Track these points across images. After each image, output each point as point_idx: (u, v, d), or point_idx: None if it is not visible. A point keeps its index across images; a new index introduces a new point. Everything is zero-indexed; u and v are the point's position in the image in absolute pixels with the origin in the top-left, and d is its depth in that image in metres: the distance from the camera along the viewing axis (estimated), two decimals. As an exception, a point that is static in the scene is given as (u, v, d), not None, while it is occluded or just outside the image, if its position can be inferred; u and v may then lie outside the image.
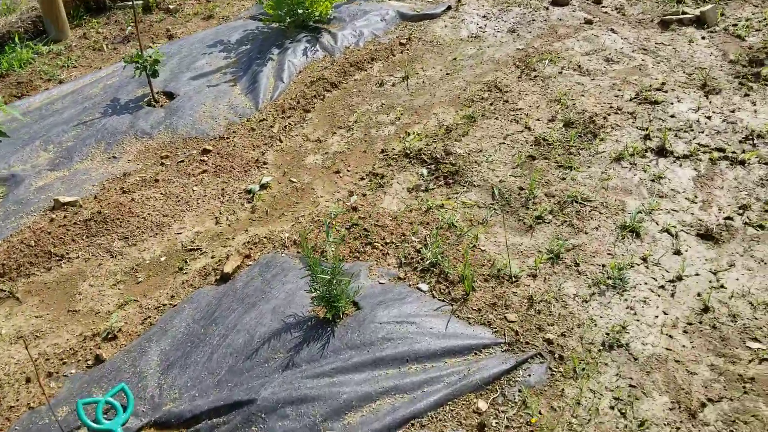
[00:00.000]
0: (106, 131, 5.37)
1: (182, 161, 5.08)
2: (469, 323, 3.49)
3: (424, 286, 3.73)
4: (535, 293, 3.69)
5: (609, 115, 5.27)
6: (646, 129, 5.03)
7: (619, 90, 5.65)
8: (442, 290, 3.72)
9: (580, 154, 4.85)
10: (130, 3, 7.92)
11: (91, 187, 4.79)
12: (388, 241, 4.11)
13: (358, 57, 6.53)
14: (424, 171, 4.75)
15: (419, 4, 7.80)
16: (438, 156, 4.89)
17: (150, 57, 5.65)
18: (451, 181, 4.69)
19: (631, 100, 5.48)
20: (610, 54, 6.28)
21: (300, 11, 6.76)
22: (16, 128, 5.44)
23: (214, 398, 3.10)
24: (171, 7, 7.84)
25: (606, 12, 7.35)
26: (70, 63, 6.72)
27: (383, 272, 3.85)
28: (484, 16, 7.42)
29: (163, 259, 4.24)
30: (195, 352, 3.38)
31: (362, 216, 4.37)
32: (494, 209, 4.38)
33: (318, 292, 3.40)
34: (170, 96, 5.97)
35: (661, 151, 4.81)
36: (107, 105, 5.76)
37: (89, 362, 3.50)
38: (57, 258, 4.20)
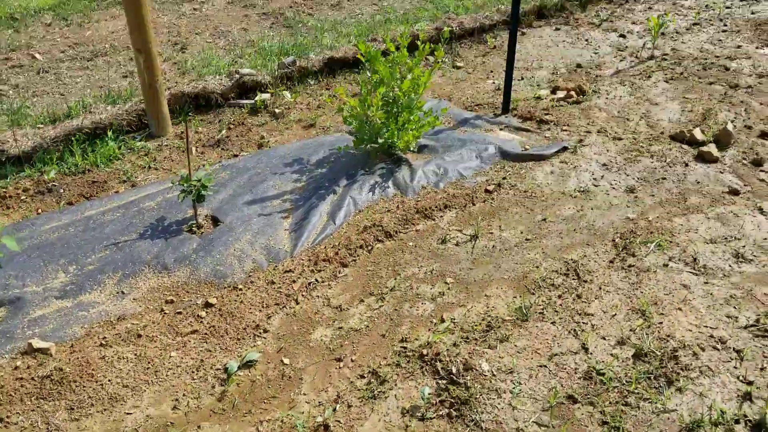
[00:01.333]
0: (129, 259, 5.05)
1: (180, 312, 4.58)
2: None
3: None
4: None
5: (704, 349, 3.92)
6: (751, 383, 3.64)
7: (736, 307, 4.25)
8: None
9: (639, 407, 3.59)
10: (242, 102, 7.80)
11: (79, 330, 4.42)
12: (326, 500, 3.21)
13: (431, 202, 5.69)
14: (426, 390, 3.77)
15: (534, 138, 6.80)
16: (454, 370, 3.90)
17: (199, 181, 5.30)
18: (455, 413, 3.66)
19: (746, 327, 4.08)
20: (744, 246, 4.85)
21: (380, 141, 6.12)
22: (53, 240, 5.31)
23: None
24: (277, 111, 7.59)
25: (763, 180, 5.84)
26: (153, 164, 6.63)
27: None
28: (603, 165, 6.24)
29: (93, 448, 3.70)
30: None
31: (324, 445, 3.51)
32: (492, 473, 3.31)
33: None
34: (216, 222, 5.56)
35: (762, 428, 3.41)
36: (150, 225, 5.47)
37: None
38: (-7, 421, 3.83)
